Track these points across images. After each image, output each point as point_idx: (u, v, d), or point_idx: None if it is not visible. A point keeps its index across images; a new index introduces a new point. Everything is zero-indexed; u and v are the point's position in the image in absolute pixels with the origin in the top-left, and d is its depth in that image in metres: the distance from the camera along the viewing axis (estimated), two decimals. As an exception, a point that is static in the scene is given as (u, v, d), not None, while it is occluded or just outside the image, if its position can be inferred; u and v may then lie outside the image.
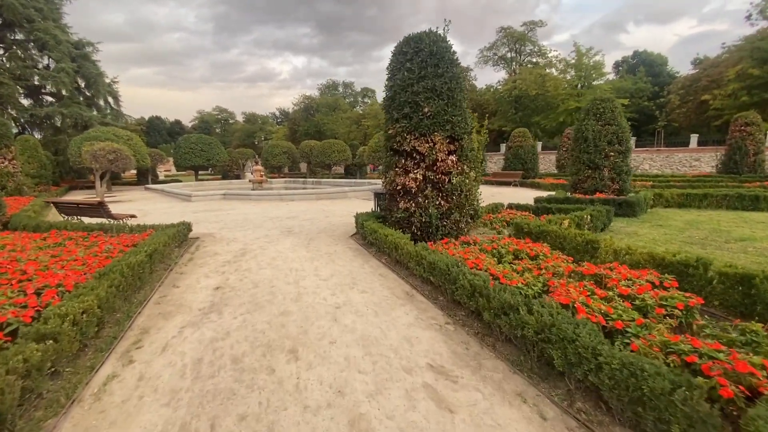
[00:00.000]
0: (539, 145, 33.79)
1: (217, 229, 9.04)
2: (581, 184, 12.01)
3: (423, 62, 6.24)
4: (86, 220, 9.13)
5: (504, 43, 57.36)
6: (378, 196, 8.87)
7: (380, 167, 38.33)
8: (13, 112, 30.77)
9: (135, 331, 3.61)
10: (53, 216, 10.83)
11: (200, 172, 42.01)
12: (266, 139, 70.31)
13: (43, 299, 3.59)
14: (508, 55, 58.08)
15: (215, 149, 33.64)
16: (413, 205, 6.37)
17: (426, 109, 6.13)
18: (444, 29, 6.55)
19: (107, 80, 36.11)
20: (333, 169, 37.09)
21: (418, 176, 6.26)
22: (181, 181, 32.31)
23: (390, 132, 6.62)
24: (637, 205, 9.74)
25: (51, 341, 2.73)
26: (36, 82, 31.41)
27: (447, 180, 6.26)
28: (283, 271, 5.46)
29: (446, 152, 6.26)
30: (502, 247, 5.40)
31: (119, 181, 34.67)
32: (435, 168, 6.26)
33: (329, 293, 4.54)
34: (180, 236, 7.07)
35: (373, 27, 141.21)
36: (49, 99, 32.74)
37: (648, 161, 28.49)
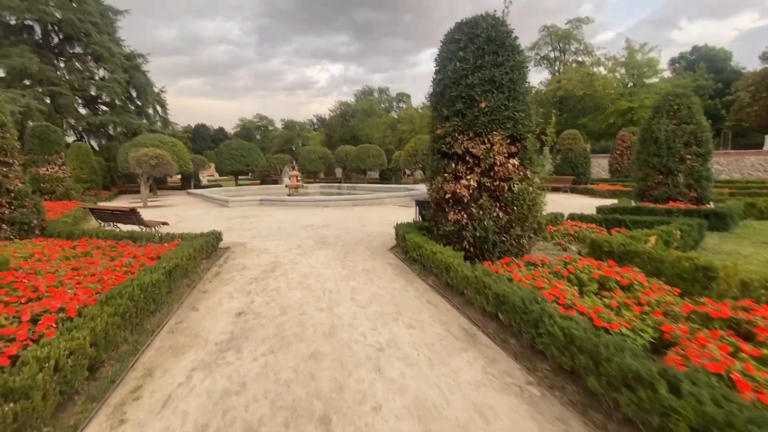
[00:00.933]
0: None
1: (249, 238, 8.55)
2: (650, 191, 10.49)
3: (479, 50, 5.33)
4: (122, 226, 8.98)
5: (547, 42, 54.94)
6: (421, 204, 8.02)
7: (416, 172, 37.49)
8: (72, 121, 32.99)
9: (138, 371, 2.98)
10: (95, 222, 10.89)
11: (240, 177, 43.10)
12: (303, 144, 71.56)
13: (39, 328, 3.05)
14: (552, 54, 55.58)
15: (254, 155, 34.24)
16: (465, 216, 5.45)
17: (483, 104, 5.21)
18: (503, 12, 5.61)
19: (156, 90, 38.00)
20: (368, 174, 36.66)
21: (471, 183, 5.34)
22: (222, 186, 33.09)
23: (438, 132, 5.75)
24: (729, 217, 8.19)
25: (21, 400, 2.11)
26: (92, 93, 33.48)
27: (506, 187, 5.29)
28: (315, 293, 4.72)
29: (506, 154, 5.29)
30: (582, 272, 4.35)
31: (165, 186, 36.14)
32: (492, 173, 5.31)
33: (369, 326, 3.72)
34: (208, 247, 6.58)
35: (409, 32, 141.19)
36: (104, 108, 34.79)
37: (714, 165, 25.53)
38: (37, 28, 31.21)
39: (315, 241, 8.02)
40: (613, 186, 18.85)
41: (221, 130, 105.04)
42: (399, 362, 3.02)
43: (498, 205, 5.31)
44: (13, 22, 29.84)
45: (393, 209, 13.54)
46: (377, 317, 3.94)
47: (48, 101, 30.43)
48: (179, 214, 13.77)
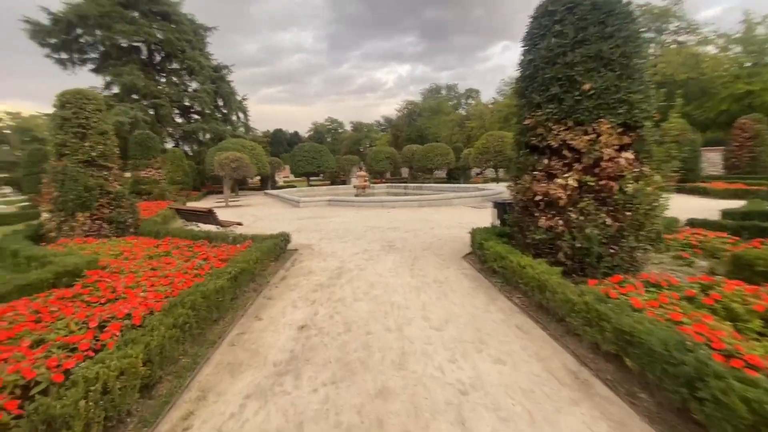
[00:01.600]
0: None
1: (316, 239, 8.42)
2: (800, 190, 8.28)
3: (581, 20, 4.38)
4: (202, 225, 9.46)
5: (639, 22, 48.42)
6: (500, 206, 7.14)
7: (486, 171, 35.62)
8: (170, 129, 37.20)
9: (193, 392, 2.72)
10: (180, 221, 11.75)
11: (312, 178, 45.06)
12: (371, 145, 72.77)
13: (103, 336, 2.96)
14: (646, 35, 49.15)
15: (325, 157, 35.38)
16: (560, 222, 4.53)
17: (586, 86, 4.26)
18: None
19: (239, 98, 41.30)
20: (434, 173, 35.72)
21: (569, 182, 4.41)
22: (295, 187, 34.73)
23: (527, 123, 4.89)
24: None
25: (61, 430, 1.89)
26: (186, 103, 37.43)
27: (617, 188, 4.27)
28: (382, 307, 4.22)
29: (616, 146, 4.27)
30: (733, 300, 3.24)
31: (245, 187, 39.04)
32: (597, 170, 4.33)
33: (446, 357, 3.09)
34: (277, 249, 6.48)
35: (478, 28, 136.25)
36: (195, 117, 38.65)
37: None
38: (143, 49, 35.72)
39: (382, 244, 7.58)
40: (732, 184, 15.69)
41: (296, 134, 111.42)
42: (489, 414, 2.36)
43: (605, 209, 4.31)
44: (124, 45, 34.47)
45: (463, 211, 12.66)
46: (456, 345, 3.30)
47: (152, 112, 34.67)
48: (255, 213, 14.42)
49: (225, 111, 39.15)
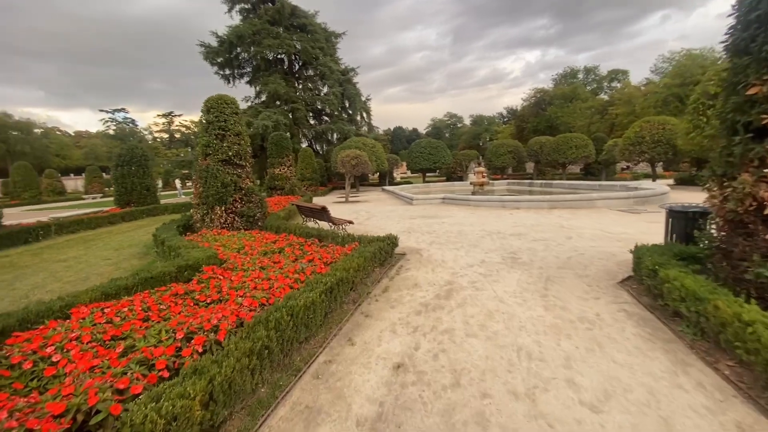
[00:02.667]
0: None
1: (426, 243, 7.65)
2: None
3: None
4: (319, 222, 9.67)
5: None
6: (680, 216, 5.15)
7: (637, 165, 29.46)
8: (305, 131, 41.43)
9: (259, 442, 2.21)
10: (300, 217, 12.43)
11: (428, 174, 44.75)
12: (491, 139, 68.75)
13: (185, 352, 2.72)
14: None
15: (441, 152, 34.52)
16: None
17: None
18: None
19: (363, 99, 43.49)
20: (567, 168, 31.27)
21: None
22: (411, 183, 34.85)
23: (753, 92, 3.13)
24: None
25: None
26: (318, 107, 41.12)
27: None
28: (505, 352, 3.16)
29: None
30: None
31: (366, 183, 41.06)
32: None
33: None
34: (382, 254, 5.92)
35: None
36: (325, 118, 42.18)
37: None
38: (285, 60, 40.44)
39: (503, 255, 6.35)
40: None
41: (415, 130, 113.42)
42: None
43: None
44: (270, 57, 39.54)
45: (610, 216, 10.22)
46: (629, 446, 2.07)
47: (290, 116, 39.08)
48: (369, 210, 14.48)
49: (350, 112, 41.68)
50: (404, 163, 46.24)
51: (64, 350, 2.78)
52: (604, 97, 59.18)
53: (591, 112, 50.75)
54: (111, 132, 71.84)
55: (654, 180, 21.18)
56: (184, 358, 2.64)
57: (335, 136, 40.92)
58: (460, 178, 36.04)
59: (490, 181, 21.41)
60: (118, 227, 12.96)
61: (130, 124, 74.62)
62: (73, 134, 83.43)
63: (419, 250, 7.02)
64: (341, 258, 5.34)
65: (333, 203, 18.85)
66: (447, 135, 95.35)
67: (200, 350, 2.77)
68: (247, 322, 3.02)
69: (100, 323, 3.24)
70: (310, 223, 10.12)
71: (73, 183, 53.53)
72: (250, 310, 3.55)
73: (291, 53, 38.35)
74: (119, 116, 73.41)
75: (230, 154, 9.01)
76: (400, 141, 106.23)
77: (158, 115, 75.02)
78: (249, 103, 40.70)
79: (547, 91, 61.02)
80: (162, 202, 18.31)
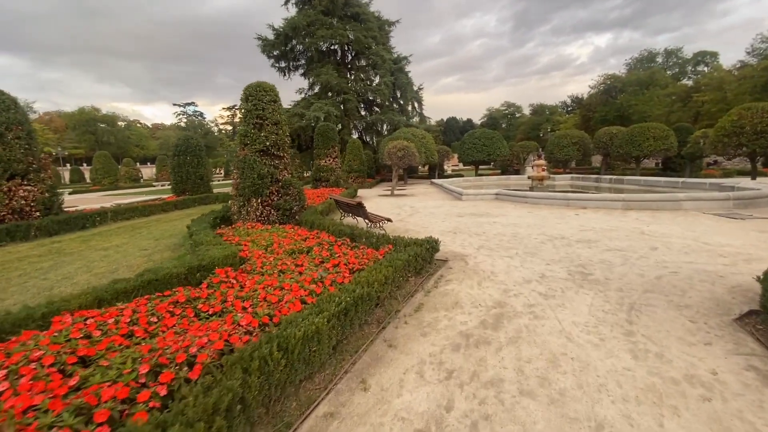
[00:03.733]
0: None
1: (473, 248, 6.64)
2: None
3: None
4: (359, 218, 9.02)
5: None
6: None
7: (730, 160, 25.20)
8: (356, 122, 41.25)
9: None
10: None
11: (482, 167, 42.61)
12: (552, 130, 63.97)
13: (140, 397, 2.12)
14: None
15: (497, 143, 32.41)
16: None
17: None
18: None
19: (414, 88, 42.22)
20: (641, 162, 27.72)
21: None
22: (462, 176, 33.25)
23: None
24: None
25: None
26: (370, 97, 40.61)
27: None
28: (579, 428, 2.20)
29: None
30: None
31: (415, 175, 40.02)
32: None
33: None
34: (419, 262, 5.07)
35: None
36: (376, 109, 41.61)
37: None
38: (338, 50, 40.32)
39: (569, 269, 5.18)
40: None
41: (469, 121, 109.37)
42: None
43: None
44: (324, 49, 39.63)
45: (704, 221, 8.39)
46: None
47: (342, 107, 39.05)
48: (414, 205, 13.60)
49: (401, 102, 40.70)
50: (455, 155, 44.40)
51: (17, 375, 2.32)
52: (687, 82, 52.37)
53: (671, 100, 45.00)
54: (182, 124, 77.65)
55: (754, 178, 17.81)
56: (137, 406, 2.04)
57: (385, 126, 40.28)
58: (517, 172, 33.71)
59: (551, 176, 19.44)
60: (168, 215, 13.40)
61: (199, 117, 80.00)
62: (150, 126, 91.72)
63: (464, 257, 6.05)
64: (370, 264, 4.59)
65: (378, 196, 18.22)
66: (504, 125, 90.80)
67: (164, 392, 2.16)
68: (238, 348, 2.36)
69: (75, 338, 2.79)
70: (349, 219, 9.52)
71: (149, 171, 58.70)
72: (246, 333, 2.92)
73: (344, 43, 38.14)
74: (190, 109, 79.01)
75: (268, 144, 8.61)
76: (453, 132, 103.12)
77: (223, 108, 79.76)
78: (302, 95, 41.38)
79: (619, 77, 55.22)
80: (216, 191, 18.91)
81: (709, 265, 5.10)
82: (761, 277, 3.44)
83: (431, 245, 5.57)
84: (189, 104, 79.76)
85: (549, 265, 5.45)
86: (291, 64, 43.64)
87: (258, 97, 8.59)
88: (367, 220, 7.76)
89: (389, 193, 18.95)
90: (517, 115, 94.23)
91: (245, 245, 6.11)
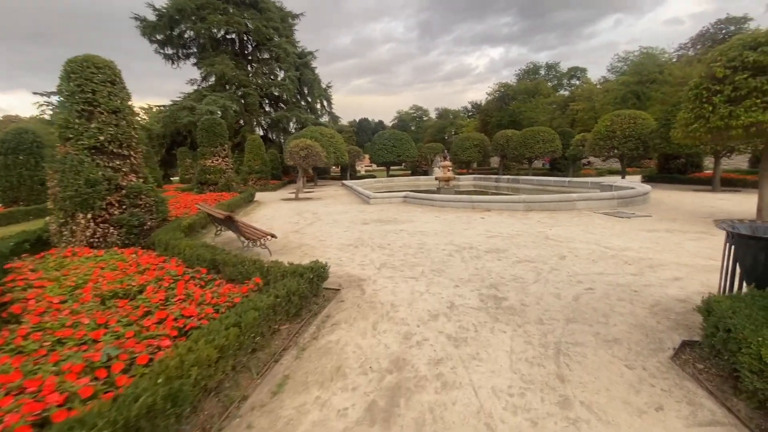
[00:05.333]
0: None
1: (375, 267, 5.51)
2: None
3: None
4: (234, 234, 7.25)
5: None
6: (750, 244, 3.29)
7: (596, 161, 28.97)
8: (260, 118, 37.93)
9: None
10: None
11: (393, 168, 42.75)
12: (456, 133, 67.97)
13: None
14: None
15: (406, 145, 32.57)
16: None
17: None
18: None
19: (323, 86, 40.48)
20: (533, 163, 30.36)
21: None
22: (374, 177, 32.70)
23: None
24: None
25: None
26: (275, 93, 37.66)
27: None
28: None
29: None
30: None
31: (327, 176, 38.32)
32: None
33: None
34: (296, 301, 3.70)
35: (585, 0, 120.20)
36: (283, 106, 38.82)
37: None
38: (236, 40, 36.61)
39: (481, 293, 4.34)
40: None
41: (380, 123, 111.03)
42: None
43: None
44: (219, 36, 35.61)
45: (598, 222, 8.61)
46: None
47: (242, 102, 35.53)
48: (317, 211, 12.15)
49: (309, 99, 38.66)
50: (367, 156, 43.96)
51: None
52: (565, 93, 59.96)
53: (553, 108, 50.94)
54: (47, 117, 63.59)
55: (623, 177, 20.38)
56: None
57: (292, 124, 37.86)
58: (425, 172, 34.41)
59: (457, 176, 19.71)
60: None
61: (64, 108, 66.51)
62: (2, 119, 73.37)
63: (362, 281, 4.87)
64: (221, 313, 3.10)
65: (280, 200, 16.34)
66: (413, 128, 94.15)
67: None
68: None
69: None
70: (230, 234, 7.70)
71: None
72: None
73: (242, 32, 34.71)
74: (56, 99, 65.07)
75: (102, 139, 6.37)
76: (365, 133, 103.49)
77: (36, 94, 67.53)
78: (195, 87, 36.66)
79: (511, 86, 60.91)
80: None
81: (619, 276, 4.72)
82: (699, 307, 2.86)
83: (318, 273, 4.25)
84: (55, 93, 65.83)
85: (458, 287, 4.55)
86: (180, 51, 38.45)
87: (85, 76, 6.30)
88: (242, 238, 6.12)
89: (294, 196, 17.17)
90: (425, 119, 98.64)
91: (38, 287, 4.08)
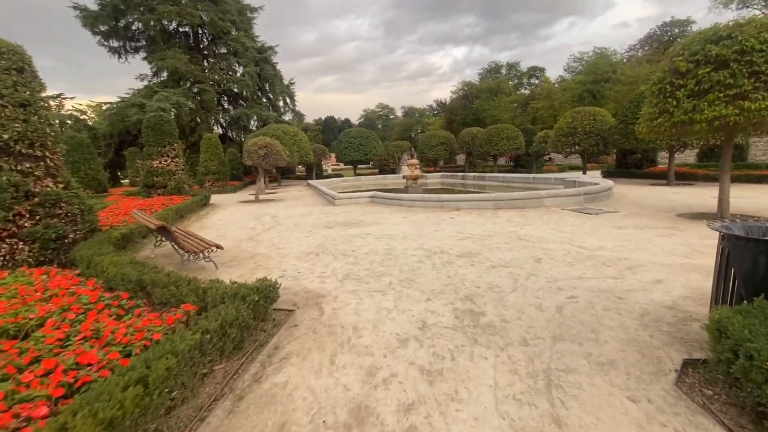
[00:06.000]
0: None
1: (337, 279, 4.90)
2: None
3: None
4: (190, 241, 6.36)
5: None
6: (747, 246, 2.98)
7: (557, 157, 29.71)
8: (219, 116, 35.95)
9: None
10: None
11: (360, 166, 42.04)
12: (422, 131, 68.27)
13: None
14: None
15: (372, 143, 32.00)
16: None
17: None
18: None
19: (285, 82, 39.00)
20: (497, 160, 30.75)
21: None
22: (342, 176, 31.90)
23: None
24: None
25: None
26: (235, 90, 35.76)
27: None
28: None
29: None
30: None
31: (292, 176, 36.97)
32: None
33: None
34: (232, 334, 3.02)
35: (541, 4, 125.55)
36: (243, 103, 37.00)
37: None
38: (190, 33, 34.43)
39: (455, 307, 3.84)
40: None
41: (347, 121, 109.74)
42: None
43: None
44: (171, 29, 33.35)
45: (568, 219, 8.45)
46: None
47: (198, 99, 33.49)
48: (277, 214, 11.31)
49: (271, 96, 37.12)
50: (333, 155, 43.01)
51: None
52: (525, 92, 61.72)
53: (514, 106, 52.24)
54: None
55: (585, 172, 20.90)
56: None
57: (254, 122, 36.20)
58: (393, 171, 34.00)
59: (424, 174, 19.39)
60: None
61: None
62: None
63: (321, 299, 4.23)
64: (135, 356, 2.37)
65: (238, 203, 15.27)
66: (380, 126, 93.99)
67: None
68: None
69: None
70: (169, 247, 6.79)
71: None
72: None
73: (196, 25, 32.66)
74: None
75: (6, 137, 5.31)
76: (332, 131, 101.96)
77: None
78: (147, 82, 34.15)
79: (474, 85, 61.94)
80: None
81: (600, 281, 4.39)
82: (710, 324, 2.47)
83: (266, 294, 3.57)
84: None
85: (430, 300, 4.03)
86: (127, 44, 35.80)
87: (-21, 61, 5.21)
88: (181, 251, 5.29)
89: (254, 198, 16.12)
90: (391, 117, 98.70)
91: None
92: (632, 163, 20.61)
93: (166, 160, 13.71)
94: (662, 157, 24.00)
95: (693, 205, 9.74)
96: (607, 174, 20.76)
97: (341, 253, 6.24)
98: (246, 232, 8.51)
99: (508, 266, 5.12)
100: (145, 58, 33.67)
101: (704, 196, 11.37)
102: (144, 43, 34.52)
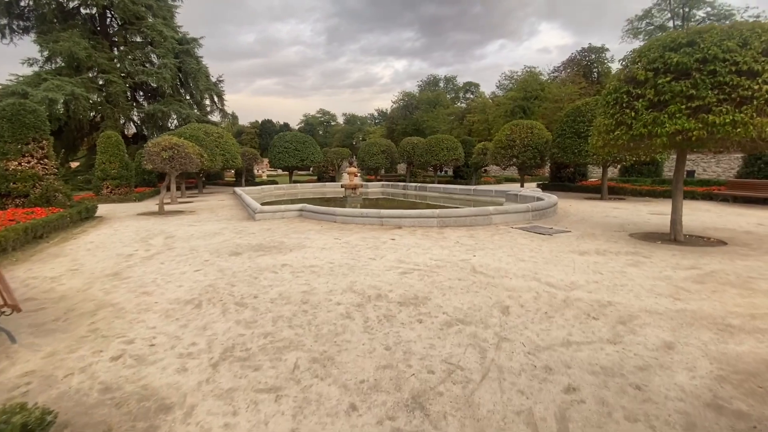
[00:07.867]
0: None
1: (207, 365, 3.04)
2: None
3: None
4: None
5: (663, 8, 45.52)
6: None
7: (486, 170, 30.22)
8: (129, 112, 31.22)
9: None
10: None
11: (299, 173, 39.45)
12: (363, 139, 67.37)
13: None
14: (670, 23, 45.37)
15: (310, 148, 29.80)
16: None
17: None
18: None
19: (212, 79, 35.34)
20: (437, 171, 30.38)
21: None
22: (276, 183, 29.24)
23: None
24: None
25: None
26: (153, 84, 31.34)
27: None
28: None
29: None
30: None
31: (220, 182, 33.33)
32: None
33: None
34: None
35: (476, 25, 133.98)
36: (162, 99, 32.65)
37: None
38: (96, 15, 29.63)
39: (394, 426, 2.26)
40: None
41: (286, 125, 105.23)
42: None
43: None
44: (70, 8, 28.40)
45: (522, 242, 7.40)
46: None
47: (103, 91, 28.79)
48: (175, 233, 8.95)
49: (193, 92, 33.25)
50: (265, 160, 39.93)
51: None
52: (462, 105, 63.74)
53: (452, 119, 53.42)
54: None
55: (522, 185, 20.95)
56: None
57: (173, 121, 32.10)
58: (333, 179, 32.18)
59: (365, 183, 17.90)
60: None
61: None
62: None
63: (158, 419, 2.37)
64: None
65: (136, 215, 12.43)
66: (321, 132, 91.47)
67: None
68: None
69: None
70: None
71: None
72: None
73: (102, 6, 28.09)
74: None
75: None
76: (269, 135, 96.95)
77: None
78: (37, 68, 28.57)
79: (414, 96, 62.66)
80: None
81: (596, 349, 3.10)
82: None
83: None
84: None
85: (356, 410, 2.40)
86: (14, 22, 30.09)
87: None
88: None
89: (158, 209, 13.29)
90: (333, 123, 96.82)
91: None
92: (566, 177, 21.10)
93: (29, 162, 10.50)
94: (592, 171, 25.15)
95: (639, 223, 9.35)
96: (543, 186, 21.02)
97: (236, 302, 4.37)
98: (114, 263, 6.19)
99: (468, 323, 3.68)
100: (35, 41, 28.21)
101: (642, 212, 11.27)
102: (34, 22, 29.06)
